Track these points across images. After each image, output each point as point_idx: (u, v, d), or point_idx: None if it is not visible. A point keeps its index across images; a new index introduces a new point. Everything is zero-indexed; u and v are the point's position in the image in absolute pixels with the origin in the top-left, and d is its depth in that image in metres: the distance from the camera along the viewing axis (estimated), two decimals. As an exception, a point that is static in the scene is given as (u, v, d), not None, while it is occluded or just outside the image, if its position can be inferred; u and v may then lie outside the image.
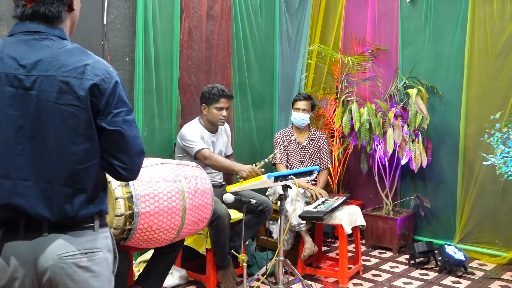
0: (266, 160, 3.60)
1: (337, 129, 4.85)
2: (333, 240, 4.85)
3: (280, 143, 4.25)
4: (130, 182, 2.44)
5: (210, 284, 3.48)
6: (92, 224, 1.54)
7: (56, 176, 1.47)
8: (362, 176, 5.10)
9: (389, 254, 4.55)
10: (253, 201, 3.05)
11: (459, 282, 3.84)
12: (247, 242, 4.09)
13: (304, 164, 4.28)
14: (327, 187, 4.71)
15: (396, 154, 4.53)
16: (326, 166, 4.37)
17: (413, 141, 4.42)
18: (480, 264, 4.28)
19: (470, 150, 4.46)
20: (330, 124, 4.96)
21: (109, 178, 2.46)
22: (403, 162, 4.49)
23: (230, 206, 3.38)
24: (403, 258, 4.43)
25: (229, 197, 2.93)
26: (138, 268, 3.48)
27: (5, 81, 1.46)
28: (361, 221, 3.96)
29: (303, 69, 5.21)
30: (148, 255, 3.52)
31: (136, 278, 3.17)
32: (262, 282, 3.43)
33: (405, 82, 4.78)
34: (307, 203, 4.03)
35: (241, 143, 4.59)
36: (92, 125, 1.48)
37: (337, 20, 5.30)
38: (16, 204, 1.45)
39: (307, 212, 3.67)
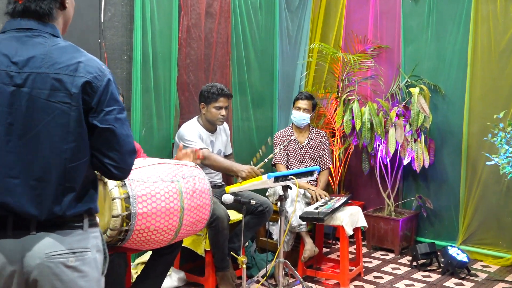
0: (266, 160, 3.60)
1: (338, 129, 4.85)
2: (334, 242, 4.84)
3: (280, 143, 4.24)
4: (127, 183, 2.43)
5: (209, 286, 3.48)
6: (81, 224, 1.54)
7: (45, 174, 1.48)
8: (363, 176, 5.09)
9: (391, 255, 4.55)
10: (253, 201, 3.05)
11: (462, 284, 3.84)
12: (247, 244, 4.08)
13: (304, 164, 4.28)
14: (328, 187, 4.70)
15: (398, 154, 4.52)
16: (327, 166, 4.37)
17: (415, 140, 4.42)
18: (484, 266, 4.27)
19: (473, 150, 4.46)
20: (331, 123, 4.95)
21: (106, 178, 2.46)
22: (405, 162, 4.49)
23: (229, 207, 3.38)
24: (405, 259, 4.43)
25: (228, 198, 2.92)
26: (135, 270, 3.48)
27: None
28: (362, 222, 3.95)
29: (303, 67, 5.21)
30: (145, 256, 3.52)
31: (133, 280, 3.17)
32: (262, 284, 3.42)
33: (407, 81, 4.77)
34: (308, 204, 4.03)
35: (240, 143, 4.58)
36: (82, 123, 1.50)
37: (338, 17, 5.30)
38: (5, 202, 1.46)
39: (307, 213, 3.67)
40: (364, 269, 4.09)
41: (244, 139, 4.64)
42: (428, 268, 4.18)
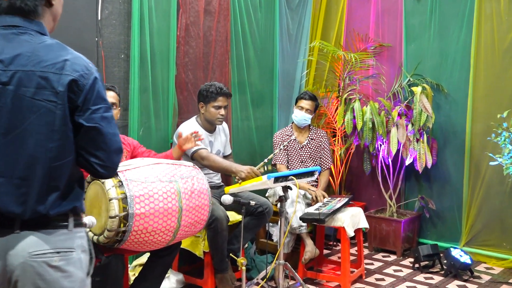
0: (266, 160, 3.60)
1: (339, 128, 4.85)
2: (335, 243, 4.85)
3: (280, 142, 4.25)
4: (124, 183, 2.44)
5: (207, 289, 3.49)
6: (66, 223, 1.55)
7: (30, 172, 1.49)
8: (365, 176, 5.10)
9: (393, 257, 4.56)
10: (252, 202, 3.05)
11: (465, 287, 3.85)
12: (246, 245, 4.09)
13: (305, 164, 4.28)
14: (328, 188, 4.71)
15: (400, 154, 4.53)
16: (327, 167, 4.37)
17: (417, 140, 4.42)
18: (487, 268, 4.28)
19: (476, 150, 4.46)
20: (331, 123, 4.96)
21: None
22: (407, 162, 4.50)
23: (228, 207, 3.39)
24: (407, 261, 4.43)
25: (227, 199, 2.93)
26: (133, 272, 3.48)
27: None
28: (364, 223, 3.96)
29: (304, 66, 5.21)
30: (143, 258, 3.52)
31: (131, 282, 3.18)
32: (262, 287, 3.43)
33: (409, 80, 4.78)
34: (308, 205, 4.03)
35: (240, 143, 4.59)
36: (67, 122, 1.51)
37: (339, 15, 5.30)
38: None
39: (308, 214, 3.67)
40: (365, 271, 4.10)
41: (243, 139, 4.64)
42: (430, 270, 4.18)
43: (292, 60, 5.17)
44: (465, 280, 3.95)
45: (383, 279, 4.00)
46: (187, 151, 3.50)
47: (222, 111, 3.64)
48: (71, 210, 1.56)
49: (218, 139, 3.81)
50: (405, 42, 4.91)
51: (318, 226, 4.14)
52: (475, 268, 4.19)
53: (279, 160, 4.23)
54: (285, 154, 4.28)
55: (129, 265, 3.43)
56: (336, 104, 4.94)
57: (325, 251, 4.58)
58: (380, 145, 4.59)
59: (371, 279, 4.00)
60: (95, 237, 2.54)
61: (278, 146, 4.22)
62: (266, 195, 4.23)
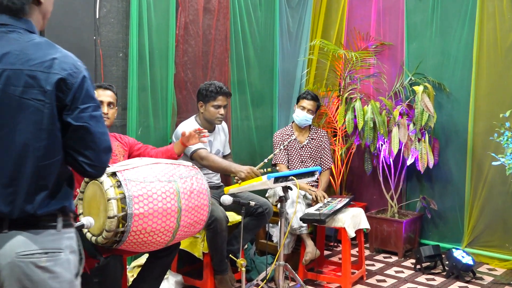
0: (266, 160, 3.60)
1: (340, 128, 4.86)
2: (335, 244, 4.85)
3: (280, 142, 4.25)
4: (123, 183, 2.44)
5: (207, 290, 3.49)
6: (55, 223, 1.56)
7: (18, 172, 1.50)
8: (366, 177, 5.10)
9: (394, 258, 4.56)
10: (252, 203, 3.05)
11: (467, 288, 3.86)
12: (246, 246, 4.09)
13: (305, 164, 4.29)
14: (329, 188, 4.71)
15: (401, 154, 4.53)
16: (328, 167, 4.38)
17: (419, 140, 4.43)
18: (489, 269, 4.28)
19: (478, 150, 4.47)
20: (332, 122, 4.96)
21: (102, 178, 2.47)
22: (408, 162, 4.50)
23: (228, 208, 3.39)
24: (409, 262, 4.44)
25: (227, 199, 2.93)
26: (132, 273, 3.49)
27: None
28: (365, 224, 3.97)
29: (304, 65, 5.22)
30: (142, 259, 3.52)
31: (130, 283, 3.18)
32: (262, 288, 3.43)
33: (411, 79, 4.78)
34: (309, 205, 4.04)
35: (239, 143, 4.59)
36: (55, 121, 1.52)
37: (340, 13, 5.31)
38: None
39: (308, 214, 3.67)
40: (366, 272, 4.10)
41: (243, 139, 4.65)
42: (432, 271, 4.19)
43: (293, 59, 5.17)
44: (467, 282, 3.95)
45: (384, 281, 4.00)
46: (186, 150, 3.51)
47: (222, 111, 3.65)
48: (60, 210, 1.57)
49: (218, 138, 3.81)
50: (406, 41, 4.91)
51: (318, 227, 4.14)
52: (477, 269, 4.19)
53: (279, 160, 4.23)
54: (285, 153, 4.28)
55: (127, 266, 3.43)
56: (337, 104, 4.94)
57: (326, 252, 4.58)
58: (381, 145, 4.60)
59: (372, 281, 4.00)
60: (93, 238, 2.54)
61: (278, 146, 4.22)
62: (266, 195, 4.23)
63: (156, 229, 2.51)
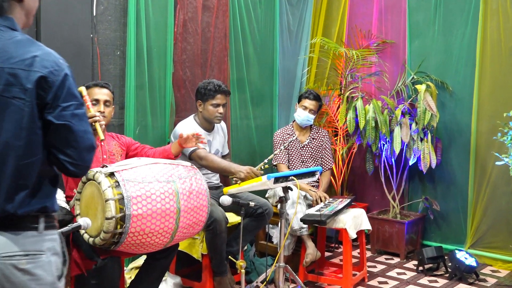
0: (266, 160, 3.60)
1: (341, 127, 4.86)
2: (336, 245, 4.86)
3: (280, 142, 4.25)
4: (121, 183, 2.44)
5: (206, 292, 3.49)
6: (37, 225, 1.57)
7: None
8: (367, 177, 5.11)
9: (396, 260, 4.57)
10: (252, 203, 3.06)
11: (470, 290, 3.87)
12: (246, 247, 4.09)
13: (305, 164, 4.29)
14: (330, 188, 4.72)
15: (403, 154, 4.54)
16: (329, 167, 4.38)
17: (421, 140, 4.43)
18: (493, 271, 4.29)
19: (482, 150, 4.47)
20: (333, 122, 4.97)
21: (99, 178, 2.47)
22: (411, 162, 4.50)
23: (227, 209, 3.39)
24: (411, 264, 4.44)
25: (226, 200, 2.93)
26: (129, 275, 3.49)
27: None
28: (366, 225, 3.97)
29: (305, 63, 5.22)
30: (140, 261, 3.53)
31: (127, 285, 3.18)
32: (262, 290, 3.43)
33: (413, 78, 4.79)
34: (309, 206, 4.04)
35: (239, 143, 4.59)
36: (35, 119, 1.52)
37: (341, 11, 5.31)
38: None
39: (309, 215, 3.67)
40: (368, 274, 4.10)
41: (243, 138, 4.65)
42: (435, 273, 4.19)
43: (293, 57, 5.18)
44: (471, 283, 3.96)
45: (386, 282, 4.01)
46: (185, 150, 3.51)
47: (221, 109, 3.65)
48: (41, 211, 1.57)
49: (217, 138, 3.82)
50: (409, 39, 4.91)
51: (319, 228, 4.14)
52: (481, 271, 4.20)
53: (280, 160, 4.23)
54: (286, 153, 4.28)
55: (125, 268, 3.43)
56: (338, 103, 4.94)
57: (327, 254, 4.58)
58: (383, 144, 4.60)
59: (373, 282, 4.01)
60: (91, 239, 2.54)
61: (279, 145, 4.22)
62: (266, 196, 4.23)
63: (154, 230, 2.51)
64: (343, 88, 4.96)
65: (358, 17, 5.29)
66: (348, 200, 4.02)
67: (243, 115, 4.66)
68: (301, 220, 3.68)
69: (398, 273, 4.22)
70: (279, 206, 3.19)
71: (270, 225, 4.25)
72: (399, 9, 5.01)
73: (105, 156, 3.01)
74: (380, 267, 4.38)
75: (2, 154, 1.50)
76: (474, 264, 3.97)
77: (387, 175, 4.74)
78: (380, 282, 4.01)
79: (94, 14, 3.50)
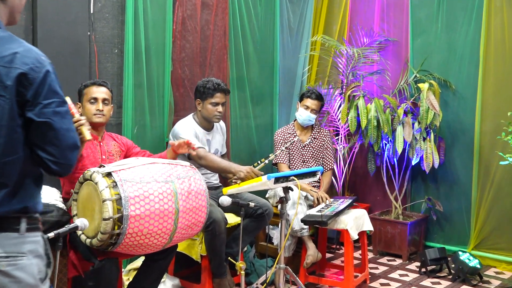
0: (267, 161, 3.60)
1: (342, 127, 4.86)
2: (338, 246, 4.86)
3: (281, 141, 4.25)
4: (118, 183, 2.45)
5: (205, 294, 3.50)
6: (18, 226, 1.56)
7: None
8: (369, 177, 5.11)
9: (398, 261, 4.57)
10: (252, 204, 3.06)
11: (474, 292, 3.87)
12: (245, 249, 4.10)
13: (306, 164, 4.29)
14: (331, 189, 4.71)
15: (406, 154, 4.54)
16: (330, 167, 4.38)
17: (424, 139, 4.43)
18: (497, 272, 4.29)
19: (486, 149, 4.47)
20: (334, 121, 4.97)
21: (97, 178, 2.47)
22: (413, 162, 4.51)
23: (226, 209, 3.39)
24: (414, 265, 4.45)
25: (225, 200, 2.94)
26: (127, 276, 3.49)
27: None
28: (368, 226, 3.97)
29: (305, 61, 5.22)
30: (138, 262, 3.53)
31: (125, 287, 3.18)
32: (262, 292, 3.44)
33: (415, 76, 4.79)
34: (310, 207, 4.04)
35: (239, 142, 4.60)
36: (15, 117, 1.52)
37: (343, 8, 5.31)
38: None
39: (310, 216, 3.68)
40: (370, 276, 4.11)
41: (243, 138, 4.65)
42: (438, 274, 4.20)
43: (293, 55, 5.18)
44: (474, 285, 3.96)
45: (388, 284, 4.01)
46: (184, 150, 3.52)
47: (220, 108, 3.65)
48: (23, 211, 1.57)
49: (216, 137, 3.82)
50: (411, 37, 4.91)
51: (320, 229, 4.15)
52: (484, 273, 4.20)
53: (280, 159, 4.23)
54: (287, 153, 4.28)
55: (123, 269, 3.44)
56: (339, 102, 4.94)
57: (328, 255, 4.59)
58: (385, 144, 4.60)
59: (375, 284, 4.01)
60: (88, 240, 2.55)
61: (280, 145, 4.22)
62: (266, 196, 4.23)
63: (152, 231, 2.51)
64: (344, 86, 4.96)
65: (359, 15, 5.29)
66: (350, 201, 4.03)
67: (243, 114, 4.66)
68: (302, 221, 3.68)
69: (401, 275, 4.22)
70: (279, 206, 3.20)
71: (270, 226, 4.25)
72: (401, 6, 5.01)
73: (104, 157, 3.02)
74: (382, 268, 4.38)
75: None
76: (477, 265, 3.97)
77: (389, 175, 4.74)
78: (382, 284, 4.01)
79: (92, 12, 3.50)
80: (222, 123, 3.92)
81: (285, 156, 4.26)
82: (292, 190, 3.14)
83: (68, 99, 2.66)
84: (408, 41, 4.95)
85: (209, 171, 3.69)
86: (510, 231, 4.38)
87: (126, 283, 3.33)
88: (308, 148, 4.32)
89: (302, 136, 4.33)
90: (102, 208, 2.43)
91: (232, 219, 3.63)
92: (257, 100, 4.79)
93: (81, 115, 3.02)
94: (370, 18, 5.21)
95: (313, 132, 4.36)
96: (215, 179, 3.83)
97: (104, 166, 2.57)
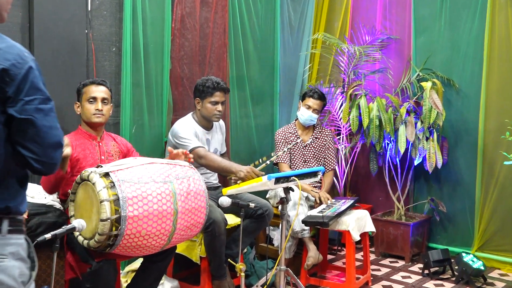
0: (268, 162, 3.60)
1: (344, 126, 4.86)
2: (339, 248, 4.86)
3: (282, 141, 4.25)
4: (116, 184, 2.44)
5: (204, 296, 3.50)
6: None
7: None
8: (371, 177, 5.11)
9: (401, 263, 4.57)
10: (252, 204, 3.06)
11: (477, 294, 3.87)
12: (245, 250, 4.10)
13: (308, 164, 4.29)
14: (333, 189, 4.71)
15: (408, 154, 4.54)
16: (332, 167, 4.38)
17: (427, 139, 4.43)
18: (501, 274, 4.29)
19: (490, 149, 4.47)
20: (336, 120, 4.97)
21: (94, 179, 2.47)
22: (416, 162, 4.51)
23: (226, 210, 3.39)
24: (417, 267, 4.45)
25: (225, 200, 2.93)
26: (125, 278, 3.49)
27: None
28: (370, 227, 3.97)
29: (306, 60, 5.22)
30: (136, 264, 3.53)
31: (123, 289, 3.19)
32: (262, 294, 3.44)
33: (418, 75, 4.79)
34: (311, 207, 4.04)
35: (238, 142, 4.60)
36: None
37: (344, 6, 5.31)
38: None
39: (311, 217, 3.68)
40: (372, 278, 4.11)
41: (242, 137, 4.65)
42: (441, 276, 4.20)
43: (294, 54, 5.18)
44: (478, 287, 3.96)
45: (390, 286, 4.01)
46: (184, 149, 3.51)
47: (219, 107, 3.65)
48: (4, 211, 1.56)
49: (215, 137, 3.82)
50: (414, 35, 4.91)
51: (321, 230, 4.14)
52: (488, 275, 4.20)
53: (281, 159, 4.23)
54: (288, 152, 4.28)
55: (121, 271, 3.44)
56: (341, 101, 4.94)
57: (329, 256, 4.59)
58: (388, 144, 4.60)
59: (377, 286, 4.01)
60: (85, 241, 2.55)
61: (281, 144, 4.22)
62: (267, 196, 4.23)
63: (151, 232, 2.51)
64: (346, 85, 4.96)
65: (361, 12, 5.29)
66: (351, 201, 4.03)
67: (243, 114, 4.66)
68: (303, 221, 3.68)
69: (403, 277, 4.22)
70: (280, 207, 3.20)
71: (271, 227, 4.25)
72: (404, 3, 5.01)
73: (103, 157, 3.02)
74: (385, 270, 4.38)
75: None
76: (481, 267, 3.97)
77: (391, 176, 4.74)
78: (384, 286, 4.01)
79: (89, 9, 3.50)
80: (221, 122, 3.92)
81: (286, 156, 4.26)
82: (293, 190, 3.14)
83: None
84: (410, 39, 4.95)
85: (208, 171, 3.69)
86: (514, 232, 4.38)
87: (124, 285, 3.33)
88: (309, 148, 4.32)
89: (304, 136, 4.33)
90: (99, 209, 2.43)
91: (232, 220, 3.63)
92: (257, 99, 4.80)
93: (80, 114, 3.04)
94: (372, 16, 5.21)
95: (315, 131, 4.36)
96: (214, 179, 3.83)
97: (101, 166, 2.57)
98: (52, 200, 2.95)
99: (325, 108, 4.97)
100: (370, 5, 5.24)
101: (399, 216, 4.70)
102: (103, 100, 3.02)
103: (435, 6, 4.77)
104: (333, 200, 4.07)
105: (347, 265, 3.77)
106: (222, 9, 4.38)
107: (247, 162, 3.81)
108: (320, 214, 3.66)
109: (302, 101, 4.29)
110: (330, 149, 4.39)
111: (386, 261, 4.62)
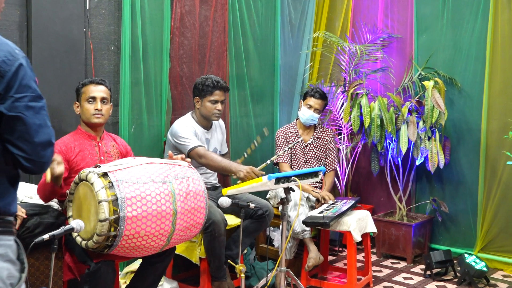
0: (268, 162, 3.60)
1: (345, 126, 4.86)
2: (340, 249, 4.86)
3: (283, 140, 4.25)
4: (115, 184, 2.44)
5: (204, 297, 3.50)
6: None
7: None
8: (372, 177, 5.11)
9: (402, 264, 4.57)
10: (252, 205, 3.06)
11: (480, 295, 3.87)
12: (245, 251, 4.10)
13: (309, 164, 4.29)
14: (334, 189, 4.71)
15: (410, 154, 4.54)
16: (333, 167, 4.38)
17: (429, 138, 4.43)
18: (504, 275, 4.29)
19: (492, 149, 4.47)
20: (337, 120, 4.97)
21: (92, 179, 2.47)
22: (418, 162, 4.50)
23: (226, 210, 3.39)
24: (418, 268, 4.45)
25: (225, 201, 2.93)
26: (124, 279, 3.49)
27: None
28: (371, 228, 3.97)
29: (307, 58, 5.22)
30: (135, 265, 3.53)
31: (122, 290, 3.19)
32: (262, 295, 3.44)
33: (420, 74, 4.79)
34: (312, 208, 4.04)
35: (238, 141, 4.60)
36: None
37: (345, 4, 5.31)
38: None
39: (311, 217, 3.68)
40: (373, 279, 4.11)
41: (242, 137, 4.65)
42: (443, 277, 4.20)
43: (295, 52, 5.18)
44: (480, 289, 3.97)
45: (392, 287, 4.01)
46: (183, 148, 3.52)
47: (219, 106, 3.65)
48: None
49: (215, 136, 3.82)
50: (416, 33, 4.91)
51: (322, 231, 4.15)
52: (491, 276, 4.20)
53: (282, 159, 4.23)
54: (289, 152, 4.28)
55: (120, 272, 3.44)
56: (342, 100, 4.94)
57: (330, 257, 4.59)
58: (389, 143, 4.60)
59: (379, 287, 4.01)
60: (84, 242, 2.55)
61: (281, 144, 4.22)
62: (267, 197, 4.23)
63: (150, 233, 2.51)
64: (347, 84, 4.96)
65: (363, 10, 5.29)
66: (353, 202, 4.03)
67: (243, 113, 4.66)
68: (304, 222, 3.68)
69: (405, 278, 4.22)
70: (280, 207, 3.20)
71: (271, 228, 4.25)
72: (405, 2, 5.01)
73: (102, 158, 3.02)
74: (386, 271, 4.38)
75: None
76: (484, 268, 3.97)
77: (393, 176, 4.74)
78: (386, 287, 4.01)
79: (88, 8, 3.50)
80: (221, 121, 3.92)
81: (287, 155, 4.26)
82: (293, 190, 3.14)
83: None
84: (412, 37, 4.95)
85: (208, 171, 3.70)
86: (517, 233, 4.38)
87: (123, 286, 3.33)
88: (310, 148, 4.32)
89: (305, 136, 4.33)
90: (98, 209, 2.43)
91: (232, 220, 3.63)
92: (257, 98, 4.80)
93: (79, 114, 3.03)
94: (373, 14, 5.20)
95: (316, 131, 4.36)
96: (214, 179, 3.83)
97: (100, 166, 2.57)
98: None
99: (326, 107, 4.99)
100: (371, 3, 5.24)
101: (401, 216, 4.70)
102: (103, 99, 3.01)
103: (437, 5, 4.77)
104: (334, 201, 4.07)
105: (348, 266, 3.77)
106: (221, 7, 4.38)
107: (247, 162, 3.81)
108: (321, 215, 3.66)
109: (303, 101, 4.28)
110: (331, 149, 4.39)
111: (387, 262, 4.62)
